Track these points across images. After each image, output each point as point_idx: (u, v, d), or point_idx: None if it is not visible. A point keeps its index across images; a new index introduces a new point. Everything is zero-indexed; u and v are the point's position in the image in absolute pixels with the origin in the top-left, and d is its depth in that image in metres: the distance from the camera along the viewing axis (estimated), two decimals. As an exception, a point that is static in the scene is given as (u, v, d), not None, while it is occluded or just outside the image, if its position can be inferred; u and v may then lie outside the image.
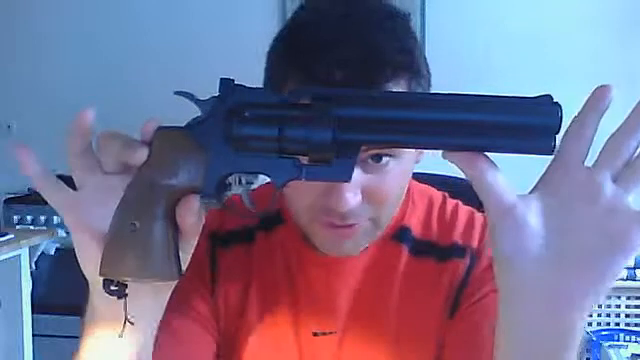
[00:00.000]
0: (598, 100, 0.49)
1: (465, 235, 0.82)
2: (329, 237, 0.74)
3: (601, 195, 0.48)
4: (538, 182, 0.52)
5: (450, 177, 1.04)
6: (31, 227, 3.20)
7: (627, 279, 2.92)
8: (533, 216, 0.49)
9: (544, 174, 0.51)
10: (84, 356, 0.62)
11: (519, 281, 0.50)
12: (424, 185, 0.88)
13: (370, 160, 0.69)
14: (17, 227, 3.18)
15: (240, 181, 0.57)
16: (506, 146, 0.49)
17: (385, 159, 0.69)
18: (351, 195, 0.67)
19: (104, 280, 0.54)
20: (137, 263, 0.52)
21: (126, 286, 0.55)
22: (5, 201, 3.38)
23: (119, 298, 0.55)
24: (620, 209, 0.48)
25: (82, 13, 3.67)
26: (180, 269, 0.55)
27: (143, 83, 3.54)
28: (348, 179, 0.52)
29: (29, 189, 3.46)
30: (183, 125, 0.54)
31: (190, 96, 0.54)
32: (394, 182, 0.72)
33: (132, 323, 0.57)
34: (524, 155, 0.49)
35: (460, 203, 0.87)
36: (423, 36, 3.36)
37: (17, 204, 3.35)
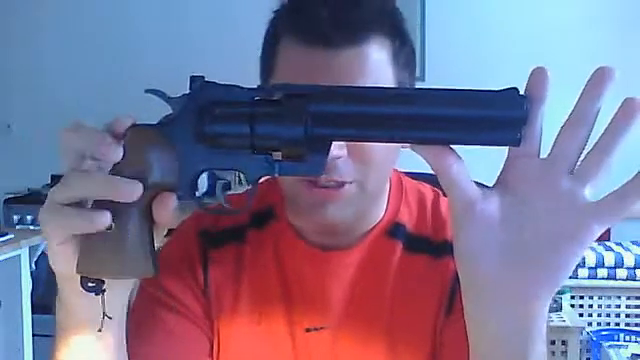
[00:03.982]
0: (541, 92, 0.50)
1: None
2: (313, 198, 0.72)
3: (557, 189, 0.49)
4: (498, 177, 0.53)
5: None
6: (31, 227, 3.19)
7: (627, 279, 2.92)
8: (493, 211, 0.50)
9: (503, 169, 0.53)
10: (64, 352, 0.63)
11: (480, 275, 0.51)
12: (417, 182, 0.88)
13: None
14: (17, 227, 3.18)
15: (240, 180, 0.57)
16: (474, 139, 0.50)
17: None
18: (336, 147, 0.67)
19: (82, 277, 0.55)
20: (114, 261, 0.53)
21: (104, 282, 0.55)
22: (5, 201, 3.38)
23: (97, 294, 0.55)
24: (576, 202, 0.49)
25: (82, 14, 3.67)
26: (156, 265, 0.55)
27: (143, 84, 3.54)
28: (321, 173, 0.53)
29: (29, 189, 3.46)
30: (155, 123, 0.54)
31: (161, 94, 0.54)
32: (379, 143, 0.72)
33: (110, 317, 0.58)
34: (492, 147, 0.50)
35: None
36: (423, 35, 3.37)
37: (17, 204, 3.35)
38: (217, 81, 0.53)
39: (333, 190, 0.72)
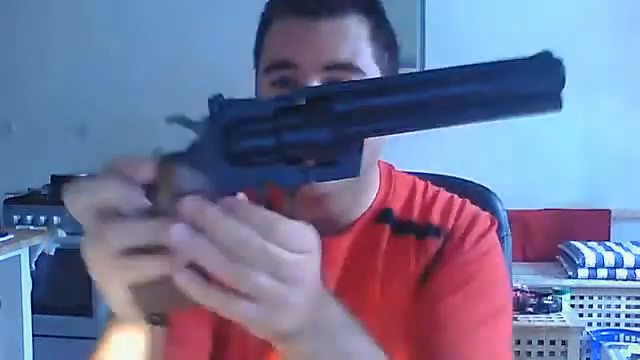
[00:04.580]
0: None
1: (442, 217, 0.86)
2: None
3: None
4: None
5: (450, 177, 1.04)
6: (31, 227, 3.20)
7: (627, 279, 2.92)
8: None
9: None
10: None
11: None
12: (410, 175, 0.92)
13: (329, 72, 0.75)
14: (17, 227, 3.18)
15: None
16: (512, 111, 0.48)
17: (344, 72, 0.75)
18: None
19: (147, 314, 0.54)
20: (174, 291, 0.51)
21: (166, 314, 0.54)
22: (5, 201, 3.38)
23: (162, 326, 0.55)
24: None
25: (83, 15, 3.67)
26: None
27: (143, 84, 3.54)
28: (357, 174, 0.52)
29: (29, 189, 3.46)
30: (180, 151, 0.53)
31: (183, 121, 0.52)
32: None
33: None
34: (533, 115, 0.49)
35: (443, 190, 0.91)
36: (423, 34, 3.37)
37: (17, 204, 3.36)
38: (235, 97, 0.52)
39: None
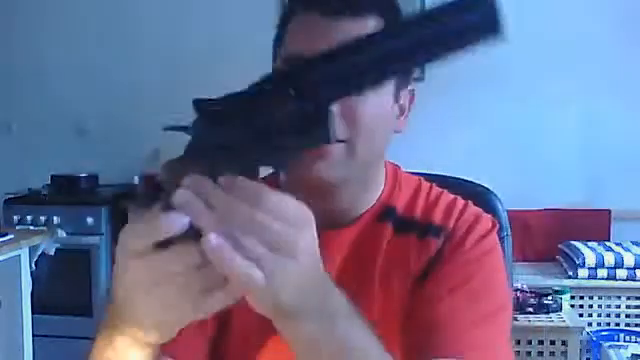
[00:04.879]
0: None
1: (444, 217, 0.87)
2: (305, 157, 0.77)
3: None
4: None
5: (450, 177, 1.05)
6: (31, 227, 3.20)
7: (627, 279, 2.92)
8: None
9: None
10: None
11: None
12: (416, 176, 0.94)
13: None
14: (17, 227, 3.18)
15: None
16: (455, 47, 0.52)
17: None
18: None
19: None
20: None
21: None
22: (5, 201, 3.38)
23: None
24: None
25: (83, 15, 3.67)
26: None
27: (143, 84, 3.55)
28: (328, 141, 0.55)
29: (29, 189, 3.46)
30: (183, 154, 0.58)
31: (177, 128, 0.57)
32: (370, 107, 0.78)
33: None
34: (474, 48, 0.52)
35: (446, 191, 0.92)
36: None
37: (17, 204, 3.36)
38: (208, 97, 0.57)
39: (322, 148, 0.75)
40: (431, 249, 0.85)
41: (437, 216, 0.87)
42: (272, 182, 0.78)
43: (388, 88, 0.80)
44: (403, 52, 0.52)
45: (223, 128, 0.55)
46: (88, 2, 3.69)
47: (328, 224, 0.84)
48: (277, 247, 0.52)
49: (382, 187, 0.89)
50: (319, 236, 0.83)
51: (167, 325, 0.57)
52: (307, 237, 0.54)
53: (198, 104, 0.56)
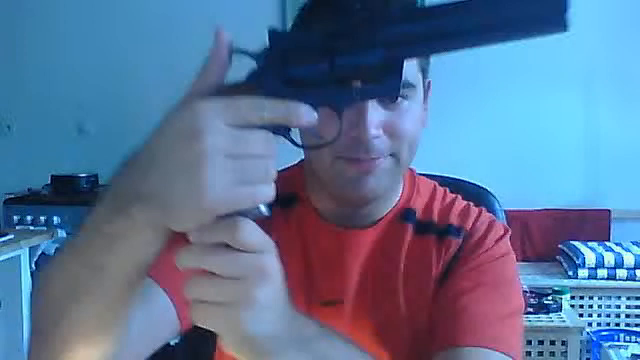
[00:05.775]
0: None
1: (461, 218, 0.90)
2: (352, 173, 0.80)
3: None
4: None
5: (449, 178, 1.05)
6: (31, 227, 3.20)
7: (627, 279, 2.92)
8: None
9: None
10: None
11: None
12: (431, 180, 0.97)
13: (388, 100, 0.79)
14: (17, 227, 3.18)
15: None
16: (522, 32, 0.52)
17: (399, 99, 0.80)
18: (374, 126, 0.77)
19: None
20: None
21: None
22: (5, 201, 3.38)
23: None
24: None
25: (83, 15, 3.67)
26: None
27: (144, 84, 3.55)
28: (397, 93, 0.58)
29: (29, 189, 3.46)
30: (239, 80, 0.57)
31: (245, 52, 0.57)
32: (409, 120, 0.81)
33: None
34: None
35: (460, 197, 0.95)
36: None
37: (17, 204, 3.36)
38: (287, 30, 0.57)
39: (371, 163, 0.79)
40: (451, 248, 0.88)
41: (454, 219, 0.90)
42: (292, 174, 0.79)
43: (419, 91, 0.83)
44: (482, 28, 0.52)
45: (295, 61, 0.55)
46: (88, 3, 3.69)
47: (353, 224, 0.88)
48: (242, 276, 0.53)
49: (402, 189, 0.92)
50: (346, 235, 0.87)
51: (200, 204, 0.51)
52: (274, 263, 0.55)
53: (272, 35, 0.56)
